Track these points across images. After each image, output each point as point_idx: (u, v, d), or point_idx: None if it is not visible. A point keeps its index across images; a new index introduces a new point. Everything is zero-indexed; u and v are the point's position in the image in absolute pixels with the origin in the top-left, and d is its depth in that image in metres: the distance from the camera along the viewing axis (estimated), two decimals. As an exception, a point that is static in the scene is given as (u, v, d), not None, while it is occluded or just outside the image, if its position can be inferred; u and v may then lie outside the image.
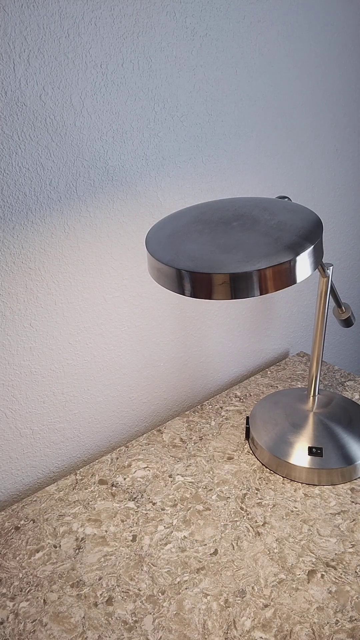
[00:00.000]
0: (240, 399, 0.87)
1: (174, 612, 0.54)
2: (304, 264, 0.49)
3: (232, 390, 0.90)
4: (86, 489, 0.71)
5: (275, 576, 0.57)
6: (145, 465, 0.74)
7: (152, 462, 0.75)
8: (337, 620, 0.53)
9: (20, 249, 0.62)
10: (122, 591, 0.57)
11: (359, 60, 0.90)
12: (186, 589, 0.57)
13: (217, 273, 0.47)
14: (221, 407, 0.85)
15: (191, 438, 0.79)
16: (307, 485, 0.69)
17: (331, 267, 0.67)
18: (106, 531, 0.64)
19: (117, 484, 0.71)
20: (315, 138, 0.89)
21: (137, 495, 0.69)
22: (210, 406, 0.86)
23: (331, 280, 0.68)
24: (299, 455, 0.70)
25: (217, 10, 0.67)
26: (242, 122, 0.77)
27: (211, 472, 0.72)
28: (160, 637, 0.52)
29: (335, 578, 0.57)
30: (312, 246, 0.50)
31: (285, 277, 0.48)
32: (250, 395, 0.88)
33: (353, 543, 0.61)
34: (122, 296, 0.74)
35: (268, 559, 0.59)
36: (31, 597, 0.57)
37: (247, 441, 0.77)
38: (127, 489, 0.70)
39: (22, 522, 0.66)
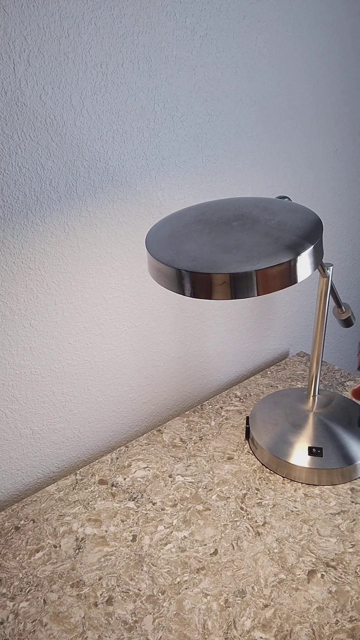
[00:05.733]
0: (240, 399, 0.87)
1: (174, 612, 0.54)
2: (304, 264, 0.49)
3: (232, 390, 0.90)
4: (86, 489, 0.71)
5: (275, 576, 0.57)
6: (145, 465, 0.74)
7: (152, 462, 0.75)
8: (337, 620, 0.53)
9: (20, 249, 0.62)
10: (122, 591, 0.57)
11: (359, 60, 0.90)
12: (186, 589, 0.57)
13: (217, 273, 0.47)
14: (221, 407, 0.85)
15: (191, 438, 0.79)
16: (307, 485, 0.69)
17: (331, 267, 0.67)
18: (106, 531, 0.64)
19: (117, 484, 0.71)
20: (315, 138, 0.89)
21: (137, 495, 0.69)
22: (210, 406, 0.86)
23: (331, 280, 0.68)
24: (299, 455, 0.70)
25: (217, 10, 0.67)
26: (242, 122, 0.77)
27: (211, 472, 0.72)
28: (160, 637, 0.52)
29: (335, 578, 0.57)
30: (312, 246, 0.50)
31: (285, 277, 0.48)
32: (250, 395, 0.88)
33: (353, 543, 0.61)
34: (122, 296, 0.74)
35: (268, 559, 0.59)
36: (31, 597, 0.57)
37: (247, 441, 0.77)
38: (127, 489, 0.70)
39: (22, 522, 0.66)
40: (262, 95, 0.78)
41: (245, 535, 0.62)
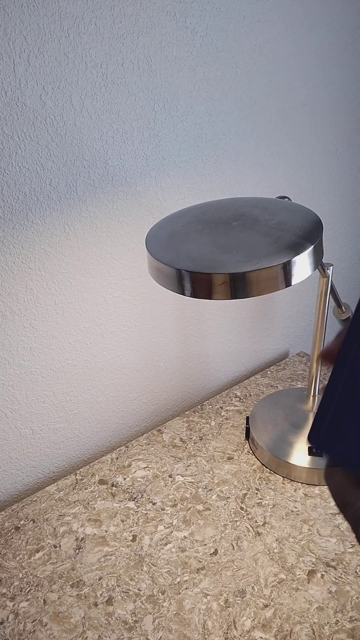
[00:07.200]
0: (240, 399, 0.87)
1: (174, 612, 0.54)
2: (303, 264, 0.49)
3: (232, 390, 0.90)
4: (86, 489, 0.71)
5: (275, 576, 0.57)
6: (145, 465, 0.74)
7: (152, 462, 0.75)
8: (337, 620, 0.53)
9: (20, 249, 0.62)
10: (122, 591, 0.57)
11: (359, 60, 0.90)
12: (186, 589, 0.57)
13: (217, 273, 0.47)
14: (221, 407, 0.85)
15: (191, 438, 0.79)
16: (307, 485, 0.69)
17: (331, 267, 0.67)
18: (106, 531, 0.64)
19: (117, 484, 0.71)
20: (315, 138, 0.89)
21: (137, 495, 0.69)
22: (210, 406, 0.86)
23: (331, 280, 0.68)
24: (299, 455, 0.70)
25: (217, 10, 0.67)
26: (242, 122, 0.77)
27: (211, 472, 0.72)
28: (160, 637, 0.52)
29: (335, 578, 0.57)
30: (312, 246, 0.50)
31: (285, 277, 0.48)
32: (250, 395, 0.88)
33: (353, 543, 0.61)
34: (122, 296, 0.74)
35: (268, 559, 0.59)
36: (31, 597, 0.57)
37: (247, 441, 0.77)
38: (127, 489, 0.70)
39: (22, 522, 0.66)
40: (262, 95, 0.78)
41: (245, 535, 0.62)
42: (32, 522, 0.66)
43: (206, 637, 0.52)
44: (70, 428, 0.76)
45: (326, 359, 0.29)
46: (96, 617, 0.54)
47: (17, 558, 0.61)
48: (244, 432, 0.79)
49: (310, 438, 0.28)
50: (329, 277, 0.68)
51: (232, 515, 0.65)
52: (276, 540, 0.62)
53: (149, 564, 0.60)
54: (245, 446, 0.76)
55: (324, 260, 1.05)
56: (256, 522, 0.64)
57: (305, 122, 0.86)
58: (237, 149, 0.78)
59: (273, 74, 0.78)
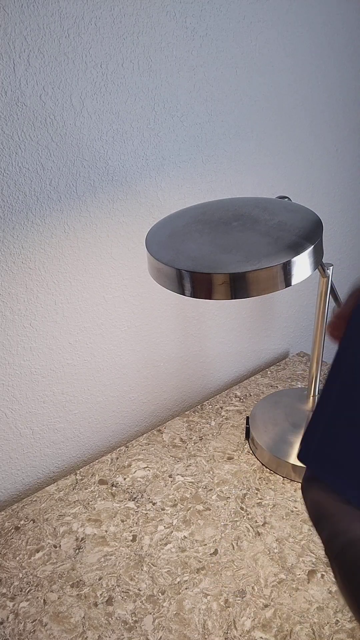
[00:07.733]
0: (240, 399, 0.87)
1: (174, 612, 0.54)
2: (303, 264, 0.49)
3: (232, 390, 0.90)
4: (86, 489, 0.71)
5: (275, 576, 0.57)
6: (145, 465, 0.74)
7: (152, 462, 0.75)
8: (337, 620, 0.53)
9: (20, 249, 0.62)
10: (122, 591, 0.57)
11: (359, 60, 0.90)
12: (186, 589, 0.57)
13: (217, 273, 0.47)
14: (221, 407, 0.85)
15: (191, 438, 0.79)
16: (307, 485, 0.69)
17: (331, 267, 0.67)
18: (106, 531, 0.64)
19: (117, 484, 0.71)
20: (315, 138, 0.89)
21: (137, 495, 0.69)
22: (210, 406, 0.86)
23: (331, 280, 0.68)
24: (299, 455, 0.70)
25: (217, 10, 0.67)
26: (242, 122, 0.77)
27: (211, 472, 0.72)
28: (160, 637, 0.52)
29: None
30: (312, 246, 0.50)
31: (285, 277, 0.48)
32: (250, 395, 0.88)
33: (353, 543, 0.60)
34: (122, 296, 0.74)
35: (268, 559, 0.59)
36: (31, 597, 0.57)
37: (247, 441, 0.77)
38: (127, 489, 0.70)
39: (22, 522, 0.66)
40: (262, 95, 0.78)
41: (245, 535, 0.62)
42: (32, 522, 0.66)
43: (206, 637, 0.52)
44: (70, 428, 0.76)
45: (334, 329, 0.26)
46: (96, 617, 0.54)
47: (17, 558, 0.61)
48: (244, 432, 0.79)
49: (300, 455, 0.24)
50: (329, 277, 0.68)
51: (232, 515, 0.65)
52: (276, 540, 0.62)
53: (149, 564, 0.60)
54: (245, 446, 0.76)
55: (324, 260, 1.05)
56: (256, 522, 0.64)
57: (305, 122, 0.86)
58: (237, 149, 0.78)
59: (273, 74, 0.78)
